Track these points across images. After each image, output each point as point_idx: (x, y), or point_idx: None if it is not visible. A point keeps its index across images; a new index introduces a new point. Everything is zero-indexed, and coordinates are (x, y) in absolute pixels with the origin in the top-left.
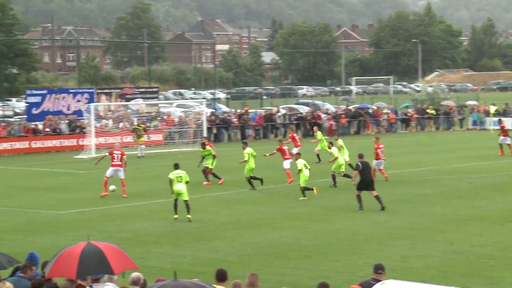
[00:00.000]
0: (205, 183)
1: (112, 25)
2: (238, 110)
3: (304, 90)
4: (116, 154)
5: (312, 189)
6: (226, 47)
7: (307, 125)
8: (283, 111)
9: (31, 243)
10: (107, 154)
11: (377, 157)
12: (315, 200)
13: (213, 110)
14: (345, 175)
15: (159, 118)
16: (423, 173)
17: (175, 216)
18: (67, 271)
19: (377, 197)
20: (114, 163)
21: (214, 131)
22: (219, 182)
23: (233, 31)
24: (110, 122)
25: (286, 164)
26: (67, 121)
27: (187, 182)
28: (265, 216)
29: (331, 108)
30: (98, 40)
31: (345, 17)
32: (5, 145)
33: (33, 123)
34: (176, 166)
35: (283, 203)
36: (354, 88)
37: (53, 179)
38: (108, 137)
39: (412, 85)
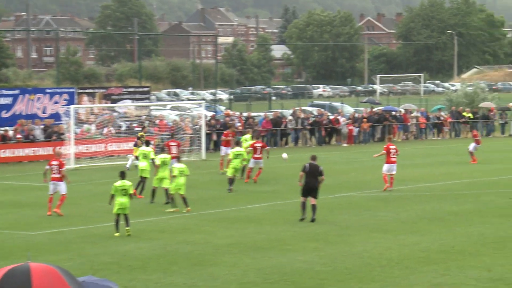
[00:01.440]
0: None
1: (96, 14)
2: (244, 113)
3: (320, 89)
4: (54, 165)
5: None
6: (230, 39)
7: (322, 131)
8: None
9: None
10: (47, 166)
11: (388, 160)
12: (332, 217)
13: (214, 113)
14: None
15: (150, 123)
16: (457, 186)
17: (117, 234)
18: None
19: (313, 207)
20: (52, 175)
21: (215, 137)
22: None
23: (239, 21)
24: (93, 127)
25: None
26: (42, 126)
27: (131, 196)
28: (272, 237)
29: (352, 110)
30: (80, 31)
31: (370, 5)
32: None
33: (2, 128)
34: (122, 175)
35: (293, 221)
36: (378, 88)
37: (25, 194)
38: (90, 144)
39: (446, 84)
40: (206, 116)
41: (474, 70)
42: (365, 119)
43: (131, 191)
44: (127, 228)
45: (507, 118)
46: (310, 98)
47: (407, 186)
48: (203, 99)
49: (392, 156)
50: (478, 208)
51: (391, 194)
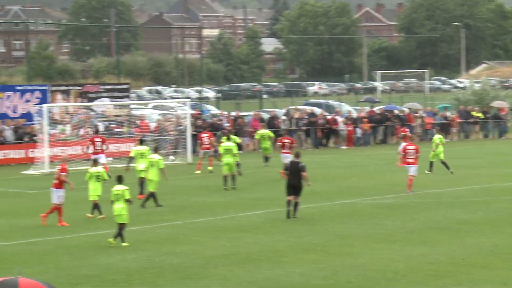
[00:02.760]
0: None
1: (69, 5)
2: (232, 113)
3: (316, 87)
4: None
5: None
6: (215, 32)
7: (318, 132)
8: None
9: None
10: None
11: (404, 161)
12: (333, 226)
13: (200, 113)
14: None
15: (130, 123)
16: (467, 193)
17: (112, 242)
18: None
19: (295, 204)
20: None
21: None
22: None
23: (225, 11)
24: (68, 128)
25: None
26: (13, 127)
27: (127, 201)
28: (267, 248)
29: (350, 110)
30: (52, 23)
31: None
32: None
33: None
34: (119, 180)
35: (290, 230)
36: (379, 85)
37: None
38: (65, 147)
39: (453, 81)
40: (191, 116)
41: (484, 65)
42: (365, 119)
43: (127, 196)
44: (111, 239)
45: None
46: (304, 96)
47: (414, 193)
48: (188, 98)
49: (409, 157)
50: (490, 217)
51: (396, 201)
